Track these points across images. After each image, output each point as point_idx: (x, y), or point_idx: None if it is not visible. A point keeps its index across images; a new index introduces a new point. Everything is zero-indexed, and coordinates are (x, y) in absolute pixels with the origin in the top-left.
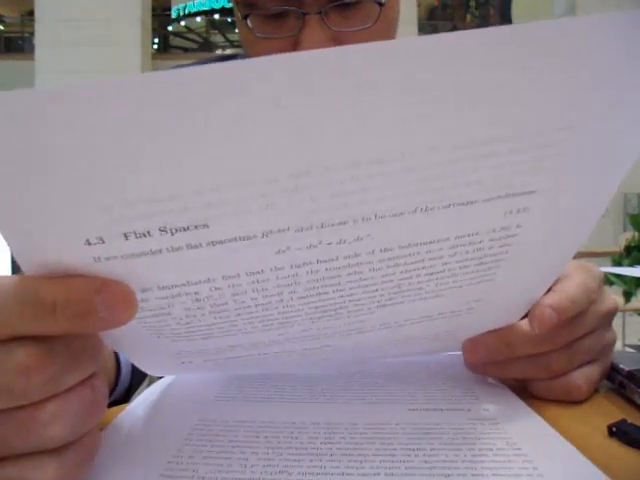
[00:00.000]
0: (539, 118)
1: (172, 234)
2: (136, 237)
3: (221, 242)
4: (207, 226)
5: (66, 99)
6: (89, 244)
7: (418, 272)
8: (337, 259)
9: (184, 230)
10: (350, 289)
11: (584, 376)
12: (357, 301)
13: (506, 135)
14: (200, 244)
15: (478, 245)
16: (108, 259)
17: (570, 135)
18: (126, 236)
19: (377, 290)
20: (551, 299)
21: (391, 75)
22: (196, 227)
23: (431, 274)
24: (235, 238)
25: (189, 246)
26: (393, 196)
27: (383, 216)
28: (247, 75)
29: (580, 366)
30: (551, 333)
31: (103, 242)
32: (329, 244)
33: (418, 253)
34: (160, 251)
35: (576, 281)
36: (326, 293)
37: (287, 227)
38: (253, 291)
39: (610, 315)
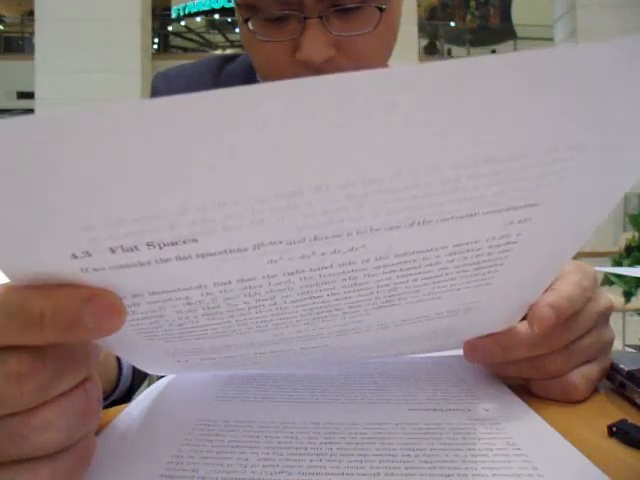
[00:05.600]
0: (547, 138)
1: (160, 248)
2: (123, 251)
3: (211, 254)
4: (196, 240)
5: (49, 127)
6: (75, 257)
7: (414, 277)
8: (331, 267)
9: (172, 245)
10: (345, 293)
11: (582, 376)
12: (352, 304)
13: (510, 155)
14: (190, 256)
15: (477, 252)
16: (96, 270)
17: (578, 153)
18: (112, 250)
19: (372, 293)
20: (549, 299)
21: (387, 101)
22: (184, 242)
23: (428, 278)
24: (225, 251)
25: (178, 258)
26: (389, 212)
27: (378, 229)
28: (237, 103)
29: (578, 366)
30: (547, 336)
31: (90, 255)
32: (323, 254)
33: (414, 260)
34: (149, 262)
35: (572, 280)
36: (320, 297)
37: (279, 240)
38: (245, 295)
39: (606, 314)
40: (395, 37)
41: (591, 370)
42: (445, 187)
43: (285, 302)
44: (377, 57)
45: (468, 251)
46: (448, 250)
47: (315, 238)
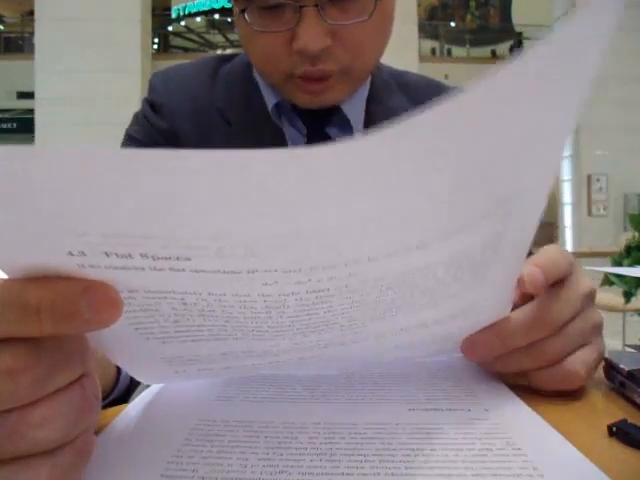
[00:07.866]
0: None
1: (154, 260)
2: (117, 257)
3: (205, 271)
4: (189, 259)
5: (51, 160)
6: (72, 255)
7: (411, 291)
8: (328, 290)
9: (166, 259)
10: (342, 309)
11: (580, 360)
12: (349, 318)
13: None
14: (183, 269)
15: (471, 258)
16: (92, 267)
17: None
18: (107, 254)
19: (370, 308)
20: (534, 260)
21: (378, 167)
22: (178, 258)
23: (424, 291)
24: (219, 271)
25: (172, 269)
26: (388, 243)
27: (376, 257)
28: (230, 163)
29: (575, 350)
30: (540, 318)
31: (85, 255)
32: (319, 281)
33: (411, 277)
34: (143, 268)
35: (551, 250)
36: (317, 314)
37: (274, 269)
38: (240, 307)
39: (591, 295)
40: (390, 27)
41: (587, 354)
42: (441, 213)
43: (281, 317)
44: (372, 47)
45: (464, 258)
46: (444, 263)
47: (311, 268)
